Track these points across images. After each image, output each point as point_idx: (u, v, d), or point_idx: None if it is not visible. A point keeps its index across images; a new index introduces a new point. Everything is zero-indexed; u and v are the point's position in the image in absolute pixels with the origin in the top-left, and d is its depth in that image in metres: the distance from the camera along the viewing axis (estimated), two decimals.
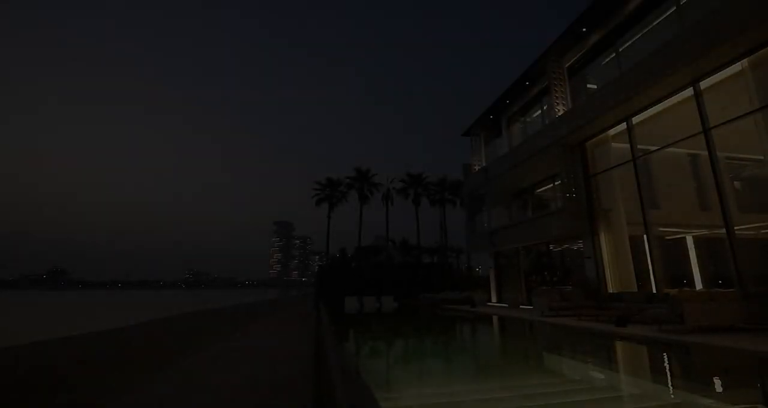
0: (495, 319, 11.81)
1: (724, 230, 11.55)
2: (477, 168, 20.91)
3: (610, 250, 12.18)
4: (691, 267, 12.29)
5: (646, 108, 10.77)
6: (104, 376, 5.38)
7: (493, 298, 19.58)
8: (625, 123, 11.58)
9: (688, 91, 9.57)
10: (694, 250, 12.31)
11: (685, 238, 12.62)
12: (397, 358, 6.20)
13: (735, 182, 10.02)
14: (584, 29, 12.86)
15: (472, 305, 16.59)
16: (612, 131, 12.33)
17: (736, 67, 8.60)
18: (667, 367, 5.06)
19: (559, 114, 13.77)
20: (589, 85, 13.74)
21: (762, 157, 11.96)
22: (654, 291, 10.65)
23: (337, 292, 26.89)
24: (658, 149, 11.24)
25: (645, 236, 11.00)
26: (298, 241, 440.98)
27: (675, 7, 10.00)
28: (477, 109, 21.10)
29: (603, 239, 12.41)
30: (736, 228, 9.06)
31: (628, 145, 11.57)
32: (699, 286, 12.01)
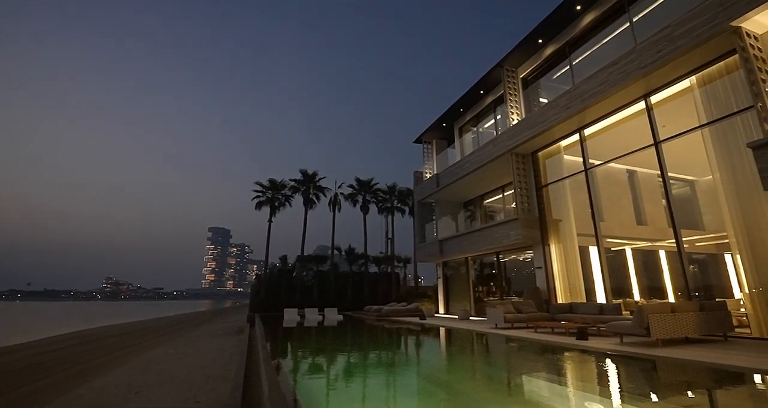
0: (449, 332, 11.13)
1: (660, 243, 12.09)
2: (428, 176, 20.57)
3: (561, 260, 12.12)
4: (630, 278, 12.66)
5: (598, 120, 10.92)
6: None
7: (441, 310, 19.10)
8: (577, 134, 11.70)
9: (640, 105, 9.78)
10: (632, 262, 12.72)
11: (624, 250, 13.03)
12: (344, 383, 5.13)
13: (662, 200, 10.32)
14: (540, 40, 13.00)
15: (422, 317, 15.89)
16: (564, 142, 12.44)
17: (684, 83, 8.88)
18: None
19: (513, 123, 13.73)
20: (542, 99, 13.89)
21: (689, 178, 12.85)
22: (604, 301, 10.61)
23: (275, 304, 24.92)
24: (603, 163, 11.46)
25: (596, 247, 11.01)
26: (235, 249, 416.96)
27: (628, 23, 10.26)
28: (431, 116, 20.82)
29: (554, 249, 12.35)
30: (668, 242, 9.30)
31: (580, 157, 11.67)
32: (637, 297, 12.38)
